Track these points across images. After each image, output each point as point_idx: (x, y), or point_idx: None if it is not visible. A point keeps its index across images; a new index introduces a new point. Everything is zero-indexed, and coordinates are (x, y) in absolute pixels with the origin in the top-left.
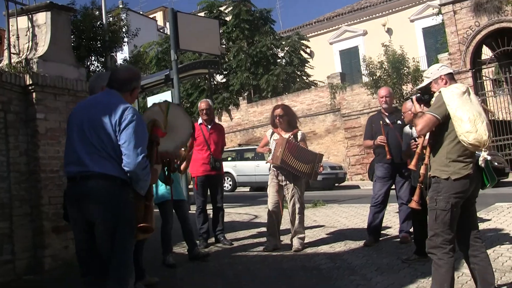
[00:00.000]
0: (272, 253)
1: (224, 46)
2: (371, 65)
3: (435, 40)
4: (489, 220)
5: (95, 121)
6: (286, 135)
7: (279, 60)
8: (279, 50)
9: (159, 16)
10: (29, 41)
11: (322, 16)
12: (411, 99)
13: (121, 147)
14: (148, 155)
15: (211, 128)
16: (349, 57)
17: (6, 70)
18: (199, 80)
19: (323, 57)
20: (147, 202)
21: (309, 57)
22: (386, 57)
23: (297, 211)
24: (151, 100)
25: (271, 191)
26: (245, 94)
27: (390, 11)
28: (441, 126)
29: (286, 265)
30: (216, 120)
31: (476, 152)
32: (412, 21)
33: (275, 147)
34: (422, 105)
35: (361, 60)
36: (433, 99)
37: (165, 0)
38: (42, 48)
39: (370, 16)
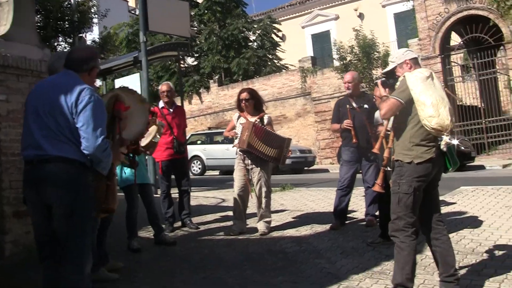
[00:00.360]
0: (238, 237)
1: (195, 28)
2: (341, 50)
3: (406, 25)
4: (453, 203)
5: (51, 104)
6: (253, 119)
7: (250, 44)
8: (251, 33)
9: None
10: None
11: (294, 0)
12: (376, 83)
13: (79, 130)
14: (111, 132)
15: (173, 111)
16: (321, 41)
17: None
18: (169, 62)
19: (295, 41)
20: (108, 182)
21: (280, 40)
22: (356, 41)
23: (263, 195)
24: (119, 83)
25: (237, 175)
26: (216, 77)
27: None
28: (405, 110)
29: (252, 249)
30: (187, 103)
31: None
32: (383, 6)
33: (242, 131)
34: (387, 89)
35: (332, 44)
36: (398, 83)
37: None
38: (4, 28)
39: (342, 1)
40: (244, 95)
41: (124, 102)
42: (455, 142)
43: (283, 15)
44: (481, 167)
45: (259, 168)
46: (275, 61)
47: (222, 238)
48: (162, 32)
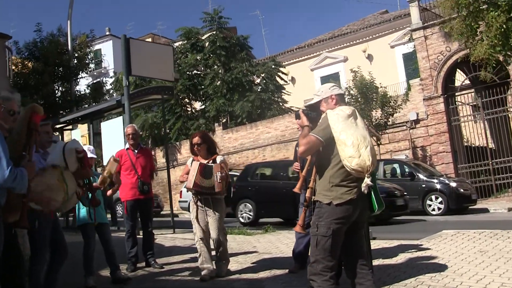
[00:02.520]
0: (194, 278)
1: (200, 72)
2: None
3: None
4: (427, 248)
5: None
6: (205, 161)
7: (254, 87)
8: (255, 76)
9: None
10: None
11: (303, 43)
12: (298, 112)
13: None
14: (28, 143)
15: (138, 152)
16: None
17: None
18: (174, 106)
19: (304, 84)
20: (24, 199)
21: (285, 83)
22: (353, 82)
23: (220, 238)
24: (104, 126)
25: (194, 219)
26: (223, 120)
27: (371, 37)
28: (326, 149)
29: None
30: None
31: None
32: (392, 47)
33: (190, 172)
34: (308, 122)
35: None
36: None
37: (153, 27)
38: None
39: (351, 42)
40: (196, 139)
41: (40, 113)
42: (370, 183)
43: (292, 58)
44: (485, 210)
45: (212, 210)
46: (281, 103)
47: (178, 278)
48: (145, 76)
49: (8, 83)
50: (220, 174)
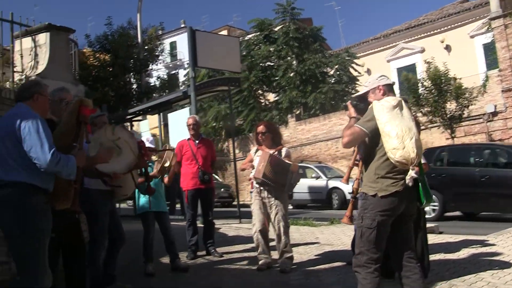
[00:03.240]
0: (252, 267)
1: (273, 64)
2: (409, 83)
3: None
4: (493, 244)
5: (2, 133)
6: (271, 152)
7: (328, 78)
8: (329, 68)
9: (224, 34)
10: (32, 60)
11: (379, 34)
12: (346, 104)
13: (29, 154)
14: (77, 136)
15: (199, 143)
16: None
17: (8, 87)
18: (247, 98)
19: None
20: (75, 185)
21: (359, 74)
22: (427, 73)
23: (282, 230)
24: (171, 116)
25: (255, 209)
26: (296, 112)
27: (449, 27)
28: (372, 141)
29: (258, 279)
30: None
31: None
32: (472, 37)
33: (258, 161)
34: (356, 113)
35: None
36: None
37: (229, 19)
38: (41, 66)
39: (428, 33)
40: (261, 128)
41: (89, 106)
42: (415, 176)
43: (368, 49)
44: None
45: (276, 201)
46: None
47: (237, 267)
48: (211, 68)
49: (72, 75)
50: (295, 175)
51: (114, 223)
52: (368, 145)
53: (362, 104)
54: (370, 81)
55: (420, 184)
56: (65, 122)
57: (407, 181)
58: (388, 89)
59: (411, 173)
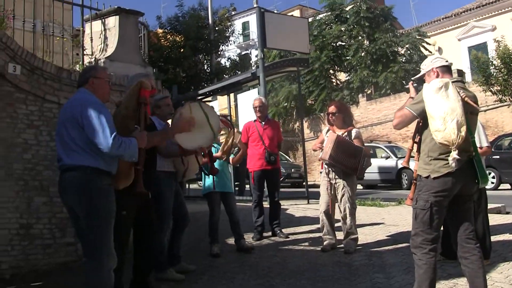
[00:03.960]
0: (316, 248)
1: (344, 43)
2: (479, 62)
3: None
4: None
5: (65, 118)
6: (340, 132)
7: (399, 57)
8: (399, 47)
9: (296, 14)
10: (101, 43)
11: (450, 12)
12: (408, 85)
13: (91, 138)
14: (138, 118)
15: (265, 124)
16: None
17: (78, 70)
18: (318, 78)
19: (451, 54)
20: (138, 167)
21: (430, 54)
22: (496, 53)
23: (348, 211)
24: (241, 97)
25: (322, 190)
26: (367, 92)
27: None
28: (425, 123)
29: (321, 260)
30: None
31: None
32: None
33: (326, 143)
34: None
35: (489, 56)
36: None
37: None
38: (110, 49)
39: (500, 11)
40: (332, 108)
41: (148, 88)
42: (457, 157)
43: (438, 28)
44: None
45: (343, 182)
46: None
47: (301, 248)
48: (280, 48)
49: (140, 58)
50: (366, 159)
51: (178, 204)
52: (422, 128)
53: (421, 86)
54: (426, 64)
55: (476, 164)
56: (126, 105)
57: (450, 163)
58: (442, 71)
59: (453, 154)
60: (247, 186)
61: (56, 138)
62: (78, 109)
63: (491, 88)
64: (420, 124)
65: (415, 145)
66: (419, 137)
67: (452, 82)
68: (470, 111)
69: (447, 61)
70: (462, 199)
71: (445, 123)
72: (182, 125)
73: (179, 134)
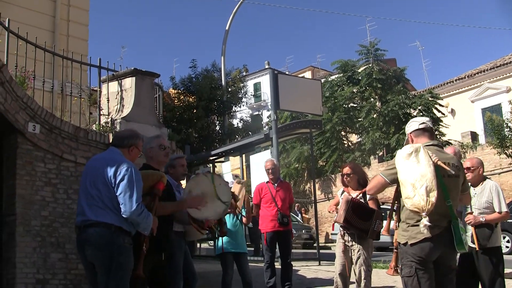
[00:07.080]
0: None
1: (356, 105)
2: (495, 123)
3: None
4: None
5: (94, 175)
6: (355, 194)
7: (411, 119)
8: (412, 109)
9: (308, 75)
10: (117, 104)
11: (463, 74)
12: None
13: (118, 198)
14: (150, 206)
15: (278, 186)
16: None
17: (94, 129)
18: (330, 139)
19: (464, 116)
20: (143, 247)
21: (442, 115)
22: (511, 114)
23: (363, 274)
24: (253, 158)
25: (337, 252)
26: (379, 153)
27: None
28: (401, 190)
29: None
30: None
31: None
32: None
33: (340, 205)
34: None
35: (504, 118)
36: None
37: (313, 60)
38: (126, 110)
39: None
40: (346, 169)
41: (164, 183)
42: (428, 224)
43: (451, 90)
44: None
45: (358, 245)
46: (438, 136)
47: None
48: (293, 110)
49: (156, 118)
50: (378, 221)
51: (187, 263)
52: (399, 195)
53: None
54: (406, 128)
55: (453, 230)
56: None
57: (421, 230)
58: (416, 135)
59: (424, 221)
60: None
61: (81, 194)
62: (113, 168)
63: (506, 151)
64: (399, 190)
65: (394, 213)
66: (397, 204)
67: (426, 145)
68: (448, 174)
69: (423, 123)
70: (442, 270)
71: (414, 190)
72: (193, 205)
73: None
